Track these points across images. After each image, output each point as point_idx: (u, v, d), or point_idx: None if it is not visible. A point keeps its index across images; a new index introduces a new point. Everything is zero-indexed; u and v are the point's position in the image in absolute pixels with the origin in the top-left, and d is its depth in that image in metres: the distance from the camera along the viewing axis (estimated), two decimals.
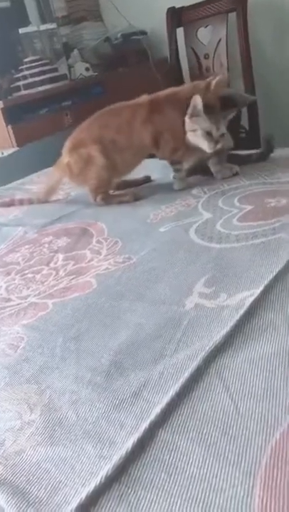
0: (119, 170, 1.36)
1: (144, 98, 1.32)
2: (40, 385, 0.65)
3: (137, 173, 1.50)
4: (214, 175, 1.30)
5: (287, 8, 2.27)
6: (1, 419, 0.60)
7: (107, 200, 1.34)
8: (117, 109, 1.35)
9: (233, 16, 2.20)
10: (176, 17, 2.38)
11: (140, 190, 1.37)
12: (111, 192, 1.39)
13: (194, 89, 1.28)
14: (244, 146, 1.93)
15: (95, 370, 0.65)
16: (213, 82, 1.26)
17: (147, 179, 1.46)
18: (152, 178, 1.46)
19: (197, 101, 1.20)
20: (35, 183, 1.66)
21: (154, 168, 1.54)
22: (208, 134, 1.21)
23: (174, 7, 2.36)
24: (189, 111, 1.22)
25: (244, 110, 2.20)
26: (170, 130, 1.28)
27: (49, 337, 0.75)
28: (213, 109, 1.23)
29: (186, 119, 1.24)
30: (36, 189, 1.57)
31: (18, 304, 0.88)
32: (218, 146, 1.22)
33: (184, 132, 1.26)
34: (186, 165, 1.34)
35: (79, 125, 1.39)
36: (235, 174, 1.30)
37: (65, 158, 1.37)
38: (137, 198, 1.31)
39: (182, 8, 2.35)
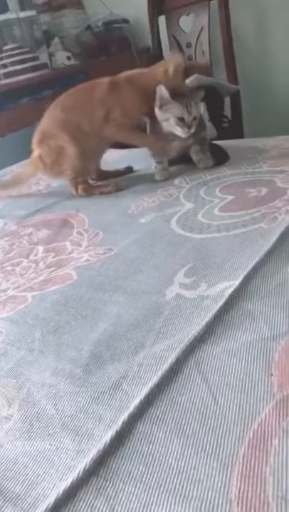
0: (89, 154, 1.33)
1: (105, 78, 1.31)
2: (19, 379, 0.64)
3: (119, 164, 1.49)
4: (196, 164, 1.30)
5: None
6: None
7: (89, 191, 1.32)
8: (77, 91, 1.33)
9: (215, 4, 2.18)
10: (157, 5, 2.35)
11: (122, 181, 1.35)
12: (92, 182, 1.37)
13: (153, 75, 1.26)
14: (227, 135, 1.93)
15: (75, 362, 0.64)
16: (171, 71, 1.24)
17: (129, 169, 1.44)
18: (134, 168, 1.45)
19: (162, 91, 1.20)
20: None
21: (137, 159, 1.53)
22: (180, 120, 1.21)
23: None
24: (157, 102, 1.22)
25: (227, 100, 2.19)
26: (120, 107, 1.26)
27: (28, 330, 0.74)
28: (181, 95, 1.22)
29: (156, 109, 1.23)
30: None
31: None
32: (192, 130, 1.22)
33: (136, 115, 1.27)
34: (170, 155, 1.33)
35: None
36: (212, 166, 1.29)
37: (36, 151, 1.34)
38: (119, 189, 1.30)
39: None
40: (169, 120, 1.22)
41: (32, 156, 1.36)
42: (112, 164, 1.48)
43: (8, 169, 1.64)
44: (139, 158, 1.54)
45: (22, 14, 2.41)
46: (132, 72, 1.33)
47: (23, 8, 2.47)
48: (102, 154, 1.41)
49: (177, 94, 1.21)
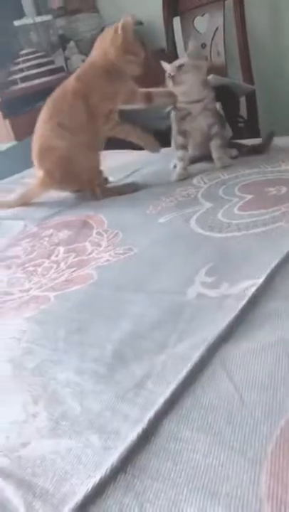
0: (91, 146, 1.31)
1: (70, 78, 1.32)
2: (44, 377, 0.64)
3: (136, 163, 1.49)
4: (215, 162, 1.30)
5: None
6: (6, 411, 0.60)
7: (106, 192, 1.32)
8: (53, 99, 1.32)
9: (229, 3, 2.17)
10: (172, 6, 2.36)
11: (136, 182, 1.35)
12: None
13: (103, 47, 1.27)
14: (243, 135, 1.92)
15: (98, 361, 0.65)
16: (119, 29, 1.23)
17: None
18: (152, 168, 1.45)
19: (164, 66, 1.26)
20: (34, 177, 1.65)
21: (151, 160, 1.54)
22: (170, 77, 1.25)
23: None
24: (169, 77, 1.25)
25: (242, 99, 2.19)
26: (96, 94, 1.26)
27: (51, 329, 0.75)
28: (136, 52, 1.26)
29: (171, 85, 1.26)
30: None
31: (19, 298, 0.88)
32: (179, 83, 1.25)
33: (115, 95, 1.27)
34: (191, 152, 1.34)
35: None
36: (234, 157, 1.31)
37: (40, 171, 1.31)
38: (136, 189, 1.30)
39: None
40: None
41: (37, 178, 1.34)
42: (126, 167, 1.48)
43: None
44: (156, 159, 1.55)
45: (38, 19, 2.45)
46: (87, 62, 1.34)
47: (39, 13, 2.51)
48: (101, 148, 1.36)
49: (132, 52, 1.24)
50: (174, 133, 1.38)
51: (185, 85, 1.27)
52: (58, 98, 1.31)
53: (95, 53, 1.30)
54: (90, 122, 1.28)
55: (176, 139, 1.34)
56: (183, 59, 1.28)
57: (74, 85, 1.28)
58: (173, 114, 1.36)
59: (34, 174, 1.41)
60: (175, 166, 1.37)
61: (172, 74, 1.26)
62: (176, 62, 1.28)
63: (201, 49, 1.32)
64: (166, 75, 1.28)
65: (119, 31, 1.23)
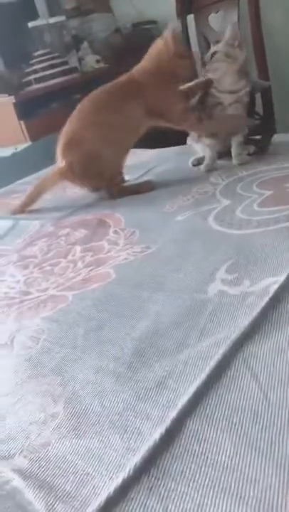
0: (122, 149, 1.33)
1: (123, 76, 1.33)
2: (63, 376, 0.63)
3: (151, 162, 1.48)
4: (233, 158, 1.28)
5: None
6: (25, 411, 0.59)
7: (123, 192, 1.31)
8: (101, 94, 1.32)
9: (244, 0, 2.15)
10: (186, 4, 2.34)
11: (152, 180, 1.34)
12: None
13: (157, 57, 1.31)
14: (259, 132, 1.90)
15: (118, 360, 0.63)
16: (170, 41, 1.28)
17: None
18: (167, 167, 1.44)
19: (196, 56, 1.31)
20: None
21: (169, 157, 1.53)
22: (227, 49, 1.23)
23: None
24: (206, 67, 1.25)
25: (258, 96, 2.16)
26: (160, 93, 1.27)
27: (70, 329, 0.74)
28: (188, 58, 1.31)
29: (208, 74, 1.25)
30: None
31: (37, 297, 0.87)
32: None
33: (179, 96, 1.28)
34: (216, 146, 1.32)
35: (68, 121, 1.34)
36: (251, 154, 1.29)
37: (62, 161, 1.30)
38: (153, 188, 1.29)
39: None
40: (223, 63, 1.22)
41: (58, 166, 1.32)
42: (141, 166, 1.47)
43: (43, 172, 1.64)
44: (171, 157, 1.53)
45: (52, 20, 2.45)
46: (139, 67, 1.34)
47: (52, 14, 2.51)
48: (130, 148, 1.37)
49: (184, 58, 1.27)
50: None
51: (217, 73, 1.24)
52: (109, 95, 1.31)
53: (148, 61, 1.33)
54: (132, 123, 1.30)
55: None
56: (218, 46, 1.25)
57: (128, 85, 1.30)
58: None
59: (38, 183, 1.39)
60: (194, 164, 1.36)
61: (206, 61, 1.25)
62: (212, 49, 1.25)
63: (238, 35, 1.28)
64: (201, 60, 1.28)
65: (171, 42, 1.28)
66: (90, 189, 1.36)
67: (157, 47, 1.32)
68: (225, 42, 1.23)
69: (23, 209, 1.36)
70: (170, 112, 1.29)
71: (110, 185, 1.32)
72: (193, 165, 1.37)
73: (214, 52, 1.23)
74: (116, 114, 1.28)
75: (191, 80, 1.31)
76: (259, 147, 1.32)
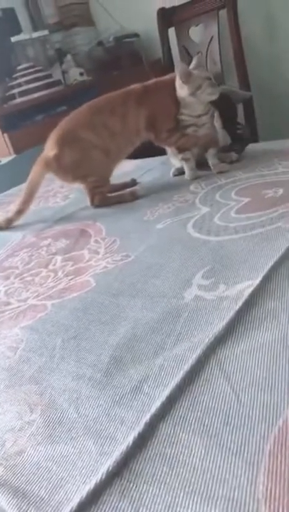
0: (114, 156, 1.33)
1: (136, 85, 1.33)
2: (41, 385, 0.64)
3: (135, 171, 1.50)
4: (212, 168, 1.30)
5: (275, 1, 2.26)
6: (2, 420, 0.59)
7: (105, 201, 1.32)
8: (108, 97, 1.34)
9: (224, 12, 2.19)
10: (167, 17, 2.38)
11: (139, 189, 1.35)
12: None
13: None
14: (242, 142, 1.92)
15: (95, 367, 0.64)
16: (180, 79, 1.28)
17: (133, 182, 1.43)
18: (151, 176, 1.46)
19: (182, 65, 1.28)
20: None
21: (151, 168, 1.54)
22: (209, 80, 1.27)
23: (164, 7, 2.36)
24: (181, 79, 1.26)
25: (240, 106, 2.19)
26: (163, 111, 1.29)
27: (48, 337, 0.74)
28: None
29: (181, 87, 1.27)
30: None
31: (17, 307, 0.87)
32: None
33: (176, 114, 1.30)
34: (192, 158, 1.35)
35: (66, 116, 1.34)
36: (234, 162, 1.31)
37: (51, 150, 1.28)
38: (136, 197, 1.30)
39: (173, 7, 2.35)
40: (201, 87, 1.25)
41: (44, 155, 1.29)
42: (124, 175, 1.48)
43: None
44: (155, 166, 1.55)
45: (35, 34, 2.47)
46: (161, 78, 1.36)
47: (35, 29, 2.53)
48: (122, 158, 1.39)
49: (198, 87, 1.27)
50: None
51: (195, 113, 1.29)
52: (115, 101, 1.32)
53: (164, 78, 1.35)
54: (140, 133, 1.31)
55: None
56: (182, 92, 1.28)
57: (138, 96, 1.30)
58: None
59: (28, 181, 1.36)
60: (175, 175, 1.38)
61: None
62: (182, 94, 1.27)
63: (203, 62, 1.33)
64: (183, 77, 1.27)
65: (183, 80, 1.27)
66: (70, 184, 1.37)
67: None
68: (178, 84, 1.27)
69: (19, 215, 1.34)
70: (162, 128, 1.31)
71: (93, 191, 1.32)
72: (175, 175, 1.39)
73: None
74: (115, 118, 1.29)
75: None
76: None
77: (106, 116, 1.29)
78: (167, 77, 1.35)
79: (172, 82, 1.30)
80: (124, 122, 1.29)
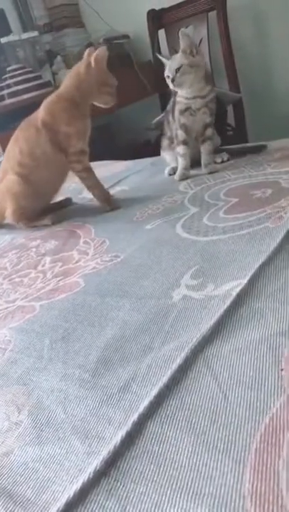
0: (42, 192, 1.29)
1: (37, 112, 1.28)
2: (28, 385, 0.64)
3: (124, 172, 1.50)
4: (202, 167, 1.31)
5: (264, 3, 2.28)
6: None
7: (30, 224, 1.28)
8: (20, 129, 1.30)
9: (213, 14, 2.20)
10: (156, 19, 2.39)
11: (58, 215, 1.30)
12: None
13: (76, 78, 1.24)
14: (231, 143, 1.93)
15: (83, 367, 0.64)
16: (93, 62, 1.21)
17: (68, 201, 1.40)
18: (140, 177, 1.46)
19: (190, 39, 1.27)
20: None
21: (142, 168, 1.55)
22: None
23: (154, 9, 2.37)
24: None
25: (230, 108, 2.20)
26: (65, 131, 1.23)
27: (36, 338, 0.74)
28: (109, 85, 1.25)
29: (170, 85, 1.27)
30: None
31: (5, 308, 0.87)
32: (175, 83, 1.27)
33: (83, 134, 1.25)
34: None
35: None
36: (225, 161, 1.33)
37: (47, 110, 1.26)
38: (55, 222, 1.25)
39: (162, 9, 2.36)
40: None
41: (39, 117, 1.27)
42: (114, 176, 1.48)
43: None
44: (143, 168, 1.55)
45: (25, 36, 2.47)
46: (55, 94, 1.28)
47: (25, 30, 2.53)
48: (59, 185, 1.33)
49: (105, 84, 1.23)
50: (167, 134, 1.41)
51: (185, 85, 1.28)
52: (25, 128, 1.28)
53: (66, 85, 1.26)
54: (54, 158, 1.24)
55: (177, 134, 1.34)
56: (178, 59, 1.27)
57: (42, 118, 1.25)
58: (162, 119, 1.37)
59: None
60: (171, 174, 1.38)
61: (171, 76, 1.27)
62: (173, 65, 1.27)
63: (193, 43, 1.31)
64: (166, 76, 1.29)
65: (93, 64, 1.21)
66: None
67: (77, 70, 1.24)
68: (181, 52, 1.26)
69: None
70: (69, 149, 1.24)
71: (18, 220, 1.28)
72: (170, 174, 1.39)
73: (179, 68, 1.26)
74: (25, 154, 1.25)
75: (109, 107, 1.26)
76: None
77: (20, 147, 1.26)
78: (61, 88, 1.28)
79: (68, 88, 1.24)
80: (35, 156, 1.25)
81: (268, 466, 0.43)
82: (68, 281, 0.90)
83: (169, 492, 0.44)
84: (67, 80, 1.27)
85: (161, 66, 2.37)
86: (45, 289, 0.89)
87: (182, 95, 1.30)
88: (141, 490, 0.45)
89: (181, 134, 1.32)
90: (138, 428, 0.51)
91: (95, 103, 1.27)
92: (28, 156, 1.24)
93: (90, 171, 1.28)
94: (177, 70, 1.26)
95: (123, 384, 0.58)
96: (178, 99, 1.31)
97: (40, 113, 1.26)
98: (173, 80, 1.27)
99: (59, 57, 2.52)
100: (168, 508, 0.42)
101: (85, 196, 1.36)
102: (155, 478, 0.45)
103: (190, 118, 1.31)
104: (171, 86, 1.29)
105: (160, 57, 1.37)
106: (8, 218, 1.29)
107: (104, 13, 2.56)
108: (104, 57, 1.23)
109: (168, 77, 1.28)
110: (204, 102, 1.30)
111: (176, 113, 1.32)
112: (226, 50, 2.23)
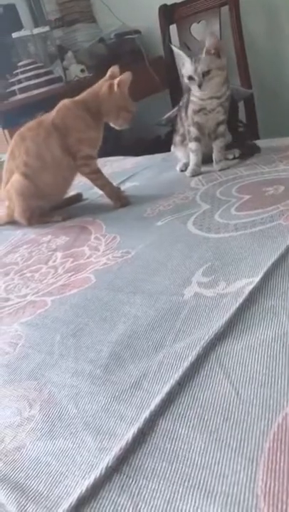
0: (48, 193, 1.29)
1: (49, 114, 1.28)
2: (40, 380, 0.64)
3: (135, 168, 1.50)
4: (214, 164, 1.30)
5: None
6: (1, 416, 0.59)
7: (41, 221, 1.28)
8: (28, 129, 1.30)
9: (225, 9, 2.19)
10: (168, 14, 2.37)
11: (68, 211, 1.31)
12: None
13: (97, 94, 1.26)
14: (243, 139, 1.92)
15: (95, 363, 0.64)
16: (116, 87, 1.23)
17: (79, 197, 1.41)
18: (150, 173, 1.45)
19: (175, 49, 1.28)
20: None
21: (153, 164, 1.54)
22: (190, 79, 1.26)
23: (165, 4, 2.35)
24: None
25: (241, 104, 2.19)
26: (74, 136, 1.24)
27: (48, 333, 0.74)
28: (128, 110, 1.26)
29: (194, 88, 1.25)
30: None
31: (17, 303, 0.87)
32: (204, 87, 1.24)
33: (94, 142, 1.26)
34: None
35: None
36: (237, 157, 1.31)
37: (5, 199, 1.31)
38: (65, 218, 1.26)
39: (174, 4, 2.35)
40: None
41: (51, 120, 1.28)
42: (124, 173, 1.48)
43: None
44: (153, 165, 1.55)
45: (36, 31, 2.46)
46: (81, 95, 1.30)
47: (36, 25, 2.52)
48: (67, 186, 1.34)
49: (124, 109, 1.24)
50: (180, 130, 1.40)
51: (210, 89, 1.25)
52: (30, 136, 1.28)
53: (85, 97, 1.28)
54: (62, 160, 1.26)
55: (189, 130, 1.33)
56: (206, 62, 1.21)
57: (55, 121, 1.25)
58: (173, 116, 1.36)
59: None
60: (182, 170, 1.37)
61: (198, 80, 1.22)
62: (200, 67, 1.21)
63: (221, 44, 1.27)
64: (186, 77, 1.24)
65: (116, 88, 1.23)
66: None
67: (102, 86, 1.26)
68: (205, 53, 1.23)
69: None
70: (78, 153, 1.25)
71: (24, 219, 1.29)
72: (182, 170, 1.39)
73: (207, 71, 1.22)
74: (32, 156, 1.26)
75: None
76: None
77: (26, 155, 1.27)
78: (85, 93, 1.29)
79: (88, 97, 1.26)
80: (43, 159, 1.26)
81: (282, 465, 0.42)
82: (79, 277, 0.90)
83: (181, 489, 0.44)
84: (89, 92, 1.28)
85: (172, 59, 2.38)
86: (57, 284, 0.89)
87: (197, 95, 1.28)
88: (153, 487, 0.45)
89: (193, 131, 1.31)
90: (150, 425, 0.51)
91: (110, 123, 1.29)
92: (34, 157, 1.25)
93: (98, 172, 1.29)
94: (204, 73, 1.22)
95: (134, 381, 0.58)
96: (192, 98, 1.29)
97: (53, 115, 1.27)
98: (200, 85, 1.22)
99: (70, 53, 2.52)
100: (180, 505, 0.42)
101: (96, 192, 1.36)
102: (167, 476, 0.45)
103: (204, 117, 1.30)
104: (195, 89, 1.25)
105: (175, 48, 1.33)
106: (18, 219, 1.30)
107: (115, 8, 2.54)
108: (127, 82, 1.25)
109: (191, 78, 1.24)
110: (219, 102, 1.29)
111: (190, 111, 1.31)
112: (237, 45, 2.21)
